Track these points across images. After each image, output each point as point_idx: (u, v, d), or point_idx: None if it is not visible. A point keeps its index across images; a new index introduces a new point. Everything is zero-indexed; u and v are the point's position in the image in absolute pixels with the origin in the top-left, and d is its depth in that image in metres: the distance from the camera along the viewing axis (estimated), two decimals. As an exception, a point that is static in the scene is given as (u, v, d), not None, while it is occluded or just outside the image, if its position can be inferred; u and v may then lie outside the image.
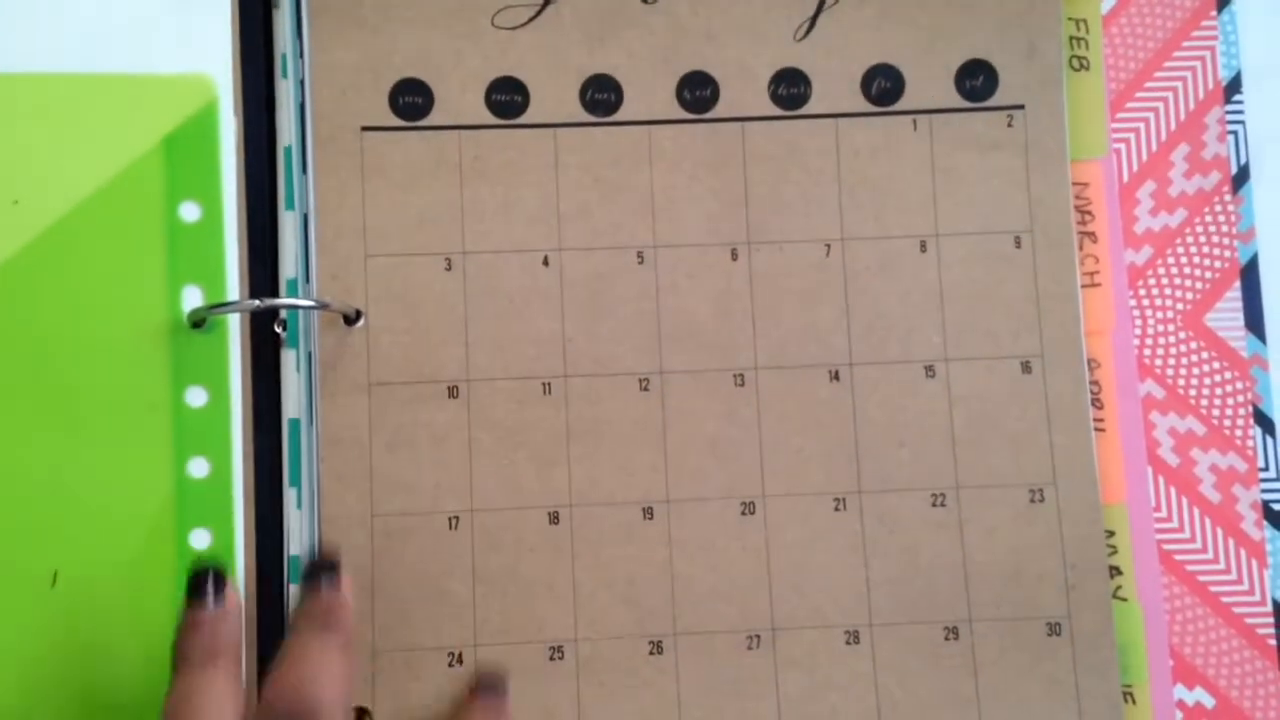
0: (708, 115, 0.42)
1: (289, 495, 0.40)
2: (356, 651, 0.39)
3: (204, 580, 0.35)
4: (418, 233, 0.41)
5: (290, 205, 0.41)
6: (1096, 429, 0.41)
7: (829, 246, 0.42)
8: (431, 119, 0.42)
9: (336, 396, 0.40)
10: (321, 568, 0.35)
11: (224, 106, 0.41)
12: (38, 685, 0.38)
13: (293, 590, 0.39)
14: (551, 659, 0.40)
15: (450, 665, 0.40)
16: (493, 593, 0.40)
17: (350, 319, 0.41)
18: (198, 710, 0.33)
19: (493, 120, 0.42)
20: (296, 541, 0.40)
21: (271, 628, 0.39)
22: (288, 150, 0.41)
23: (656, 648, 0.40)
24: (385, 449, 0.40)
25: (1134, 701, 0.40)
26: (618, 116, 0.42)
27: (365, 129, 0.42)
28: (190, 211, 0.40)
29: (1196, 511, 0.42)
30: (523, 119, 0.42)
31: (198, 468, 0.40)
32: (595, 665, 0.40)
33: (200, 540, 0.39)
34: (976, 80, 0.43)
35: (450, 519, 0.40)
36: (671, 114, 0.42)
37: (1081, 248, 0.42)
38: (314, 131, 0.41)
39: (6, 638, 0.38)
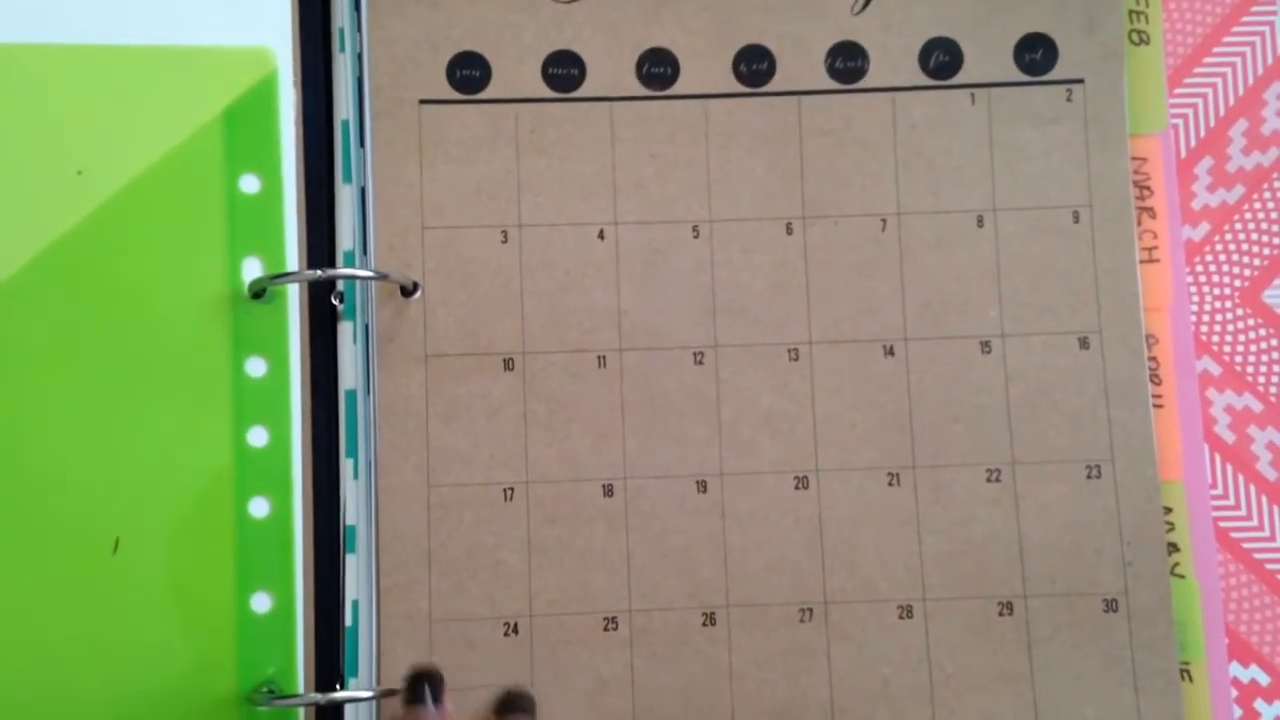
0: (764, 89, 0.41)
1: (345, 466, 0.39)
2: (415, 621, 0.38)
3: (421, 686, 0.35)
4: (474, 205, 0.40)
5: (348, 178, 0.40)
6: (1154, 405, 0.40)
7: (885, 221, 0.41)
8: (489, 92, 0.41)
9: (393, 368, 0.40)
10: (425, 680, 0.36)
11: (283, 79, 0.40)
12: (99, 650, 0.37)
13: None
14: (605, 630, 0.39)
15: (505, 635, 0.39)
16: (547, 564, 0.39)
17: (407, 291, 0.40)
18: None
19: (549, 94, 0.41)
20: (353, 511, 0.39)
21: (328, 597, 0.39)
22: (345, 124, 0.40)
23: (709, 619, 0.39)
24: (441, 420, 0.39)
25: (1190, 679, 0.39)
26: (674, 90, 0.41)
27: (423, 102, 0.41)
28: (250, 184, 0.40)
29: (1253, 489, 0.40)
30: (579, 92, 0.41)
31: (257, 437, 0.39)
32: (648, 636, 0.39)
33: (259, 509, 0.38)
34: (1035, 54, 0.41)
35: (505, 490, 0.39)
36: (728, 88, 0.41)
37: (1140, 223, 0.41)
38: (372, 104, 0.40)
39: (70, 603, 0.37)
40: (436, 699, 0.36)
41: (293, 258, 0.40)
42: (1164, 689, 0.39)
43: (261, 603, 0.38)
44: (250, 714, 0.38)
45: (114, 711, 0.37)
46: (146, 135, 0.39)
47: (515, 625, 0.39)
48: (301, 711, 0.38)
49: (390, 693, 0.37)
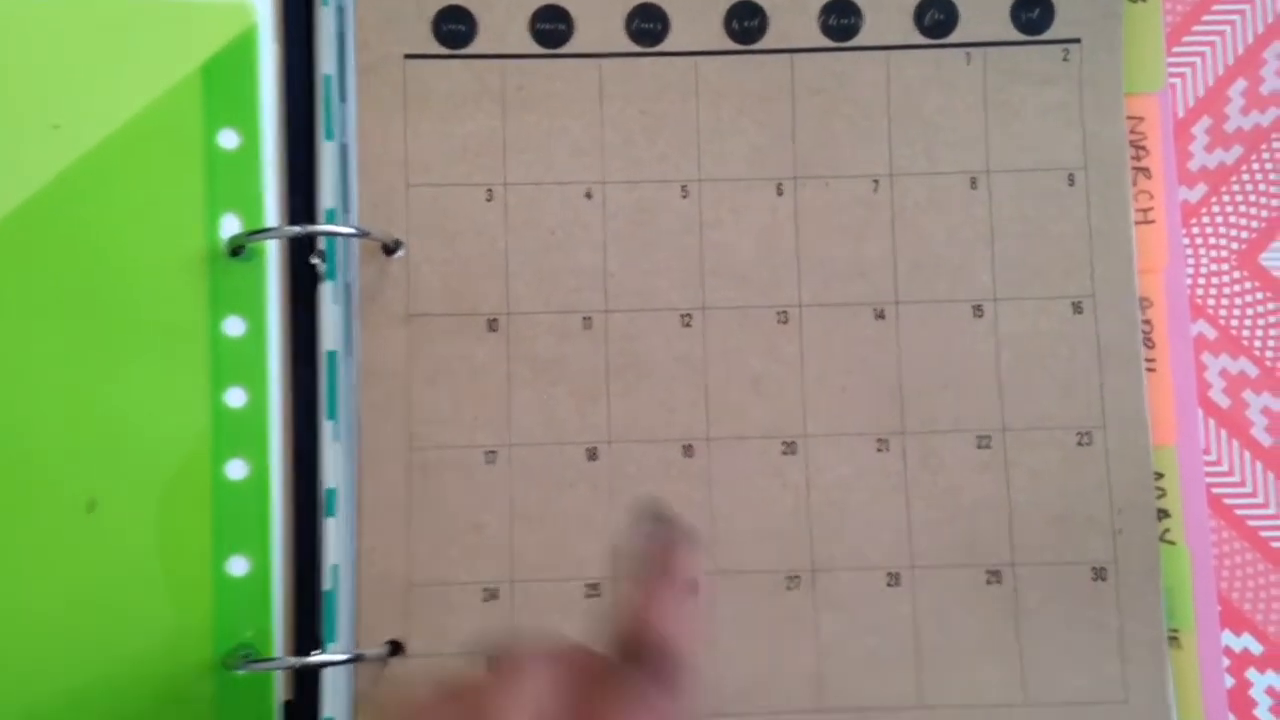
0: (756, 46, 0.39)
1: (326, 428, 0.37)
2: (393, 585, 0.36)
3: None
4: (459, 163, 0.38)
5: (329, 135, 0.38)
6: (1147, 369, 0.38)
7: (877, 182, 0.38)
8: (475, 47, 0.38)
9: (375, 328, 0.37)
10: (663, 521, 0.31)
11: (263, 33, 0.38)
12: (74, 611, 0.36)
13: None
14: (588, 596, 0.37)
15: (485, 601, 0.37)
16: (529, 528, 0.37)
17: (389, 249, 0.37)
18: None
19: (537, 49, 0.39)
20: (333, 474, 0.37)
21: (307, 561, 0.37)
22: (327, 78, 0.38)
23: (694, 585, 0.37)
24: (424, 381, 0.37)
25: (1180, 646, 0.37)
26: (664, 47, 0.39)
27: (408, 57, 0.38)
28: (229, 139, 0.37)
29: (1247, 455, 0.38)
30: (567, 48, 0.39)
31: (235, 397, 0.37)
32: (633, 602, 0.37)
33: (236, 470, 0.36)
34: (1032, 12, 0.39)
35: (487, 453, 0.37)
36: (719, 45, 0.39)
37: (1135, 184, 0.39)
38: (355, 59, 0.38)
39: (45, 563, 0.36)
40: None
41: (272, 215, 0.38)
42: (1150, 658, 0.37)
43: (238, 566, 0.36)
44: (226, 677, 0.36)
45: (88, 674, 0.36)
46: (124, 89, 0.37)
47: (495, 591, 0.37)
48: (279, 675, 0.36)
49: (362, 658, 0.35)
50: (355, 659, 0.35)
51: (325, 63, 0.38)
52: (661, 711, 0.26)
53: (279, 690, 0.36)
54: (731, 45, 0.39)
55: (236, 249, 0.36)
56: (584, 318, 0.38)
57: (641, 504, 0.36)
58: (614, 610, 0.29)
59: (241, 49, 0.38)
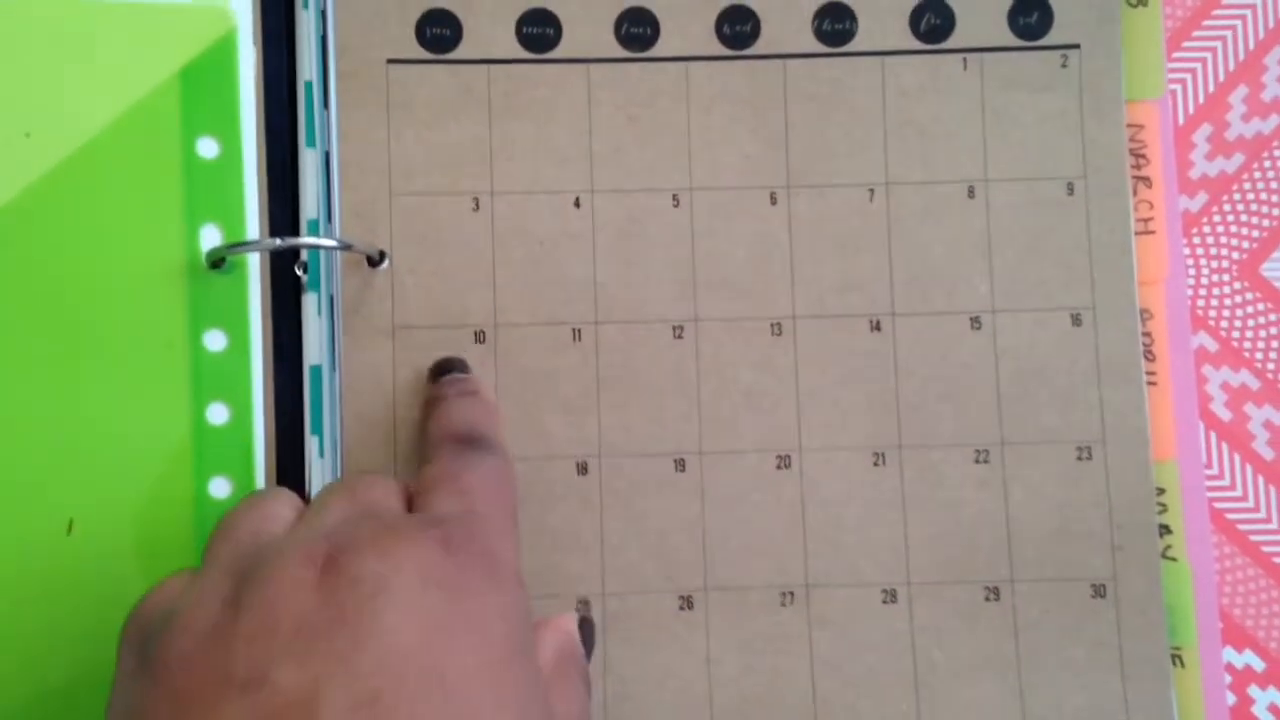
0: (748, 52, 0.38)
1: (310, 444, 0.36)
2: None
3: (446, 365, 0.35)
4: (445, 171, 0.37)
5: (311, 142, 0.36)
6: (1148, 383, 0.37)
7: (872, 191, 0.37)
8: (460, 52, 0.37)
9: (359, 339, 0.36)
10: (453, 363, 0.36)
11: (243, 38, 0.36)
12: (54, 634, 0.34)
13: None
14: (579, 613, 0.36)
15: (475, 619, 0.36)
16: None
17: (374, 260, 0.36)
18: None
19: (523, 54, 0.37)
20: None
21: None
22: (309, 85, 0.37)
23: (686, 603, 0.36)
24: (409, 394, 0.36)
25: (1182, 664, 0.36)
26: (654, 52, 0.38)
27: (391, 62, 0.37)
28: (208, 147, 0.36)
29: (1249, 469, 0.37)
30: (555, 53, 0.37)
31: (217, 414, 0.35)
32: (623, 620, 0.36)
33: (219, 489, 0.35)
34: (1030, 17, 0.38)
35: (476, 468, 0.36)
36: (710, 50, 0.38)
37: (1135, 193, 0.38)
38: (337, 65, 0.37)
39: (23, 586, 0.34)
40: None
41: (253, 225, 0.36)
42: (1153, 675, 0.36)
43: (221, 586, 0.35)
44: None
45: (70, 698, 0.34)
46: (98, 96, 0.36)
47: (485, 609, 0.36)
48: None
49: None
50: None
51: (307, 68, 0.37)
52: (485, 465, 0.30)
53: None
54: (723, 50, 0.38)
55: (217, 261, 0.35)
56: (573, 329, 0.37)
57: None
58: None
59: (220, 54, 0.36)
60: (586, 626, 0.30)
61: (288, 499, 0.29)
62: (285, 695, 0.22)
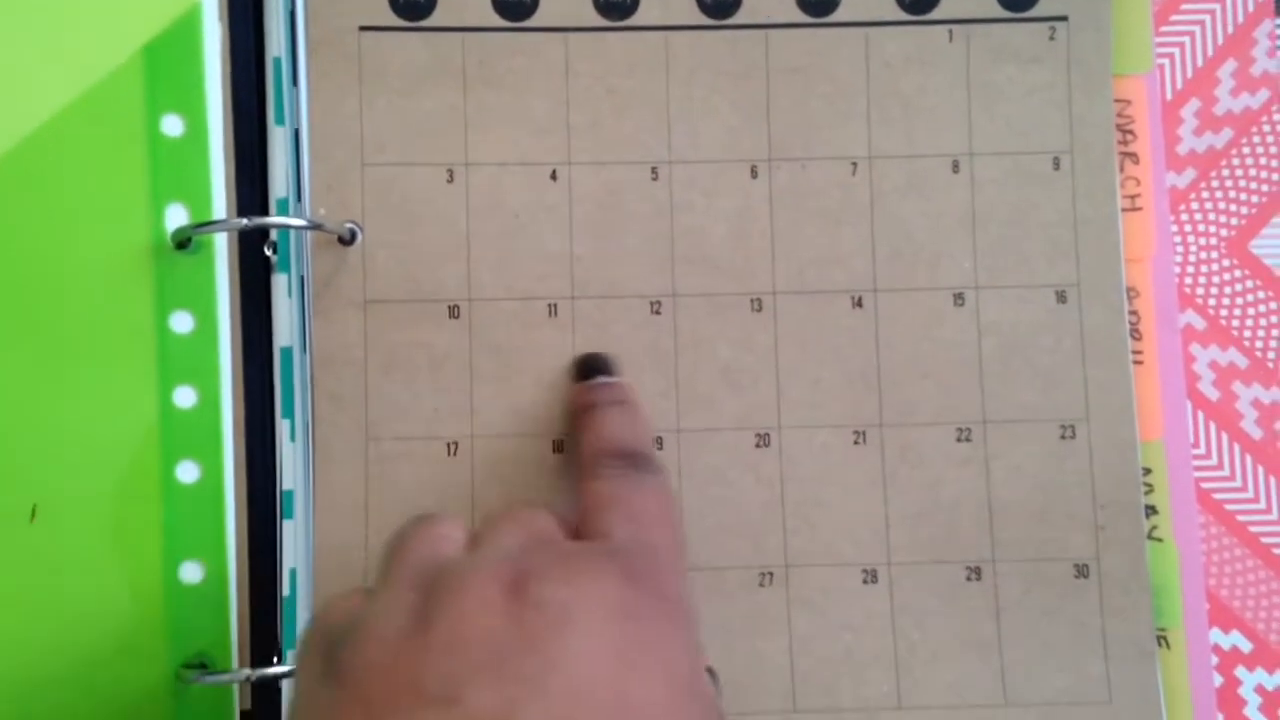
0: (729, 22, 0.37)
1: (281, 427, 0.35)
2: (350, 583, 0.34)
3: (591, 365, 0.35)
4: (418, 142, 0.36)
5: (280, 120, 0.35)
6: (1134, 362, 0.36)
7: (855, 165, 0.36)
8: (434, 19, 0.36)
9: (330, 314, 0.35)
10: (602, 364, 0.35)
11: (208, 13, 0.35)
12: (16, 623, 0.33)
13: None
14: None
15: (448, 599, 0.35)
16: (494, 524, 0.35)
17: (345, 240, 0.35)
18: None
19: (500, 22, 0.36)
20: (290, 475, 0.35)
21: (264, 566, 0.34)
22: (277, 61, 0.35)
23: (665, 584, 0.35)
24: (381, 370, 0.35)
25: (1168, 645, 0.35)
26: (633, 21, 0.36)
27: (363, 29, 0.36)
28: (173, 125, 0.35)
29: (1237, 448, 0.37)
30: (531, 21, 0.36)
31: (184, 397, 0.34)
32: (600, 601, 0.35)
33: (187, 473, 0.34)
34: (1017, -13, 0.37)
35: (449, 445, 0.35)
36: (690, 19, 0.36)
37: (1122, 169, 0.37)
38: (307, 33, 0.36)
39: (-16, 572, 0.33)
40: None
41: (220, 205, 0.35)
42: (1135, 657, 0.35)
43: (191, 572, 0.34)
44: (181, 690, 0.34)
45: (35, 689, 0.33)
46: (59, 74, 0.34)
47: (458, 589, 0.35)
48: (236, 686, 0.34)
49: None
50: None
51: (275, 44, 0.35)
52: (654, 491, 0.30)
53: (237, 700, 0.34)
54: (704, 20, 0.36)
55: (183, 241, 0.34)
56: (549, 305, 0.36)
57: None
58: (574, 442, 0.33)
59: (185, 29, 0.35)
60: (712, 673, 0.30)
61: (457, 523, 0.29)
62: (479, 714, 0.22)
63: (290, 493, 0.35)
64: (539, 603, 0.24)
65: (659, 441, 0.35)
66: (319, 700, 0.24)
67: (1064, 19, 0.37)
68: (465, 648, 0.23)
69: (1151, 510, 0.36)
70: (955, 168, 0.36)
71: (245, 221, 0.34)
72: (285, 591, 0.34)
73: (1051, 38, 0.37)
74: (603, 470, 0.30)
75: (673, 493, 0.31)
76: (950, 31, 0.37)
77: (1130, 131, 0.37)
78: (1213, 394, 0.37)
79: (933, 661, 0.35)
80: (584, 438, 0.32)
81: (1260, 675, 0.36)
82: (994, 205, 0.36)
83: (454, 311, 0.35)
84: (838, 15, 0.36)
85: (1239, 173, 0.37)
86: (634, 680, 0.23)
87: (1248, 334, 0.37)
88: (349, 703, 0.23)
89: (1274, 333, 0.37)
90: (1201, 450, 0.36)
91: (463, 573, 0.25)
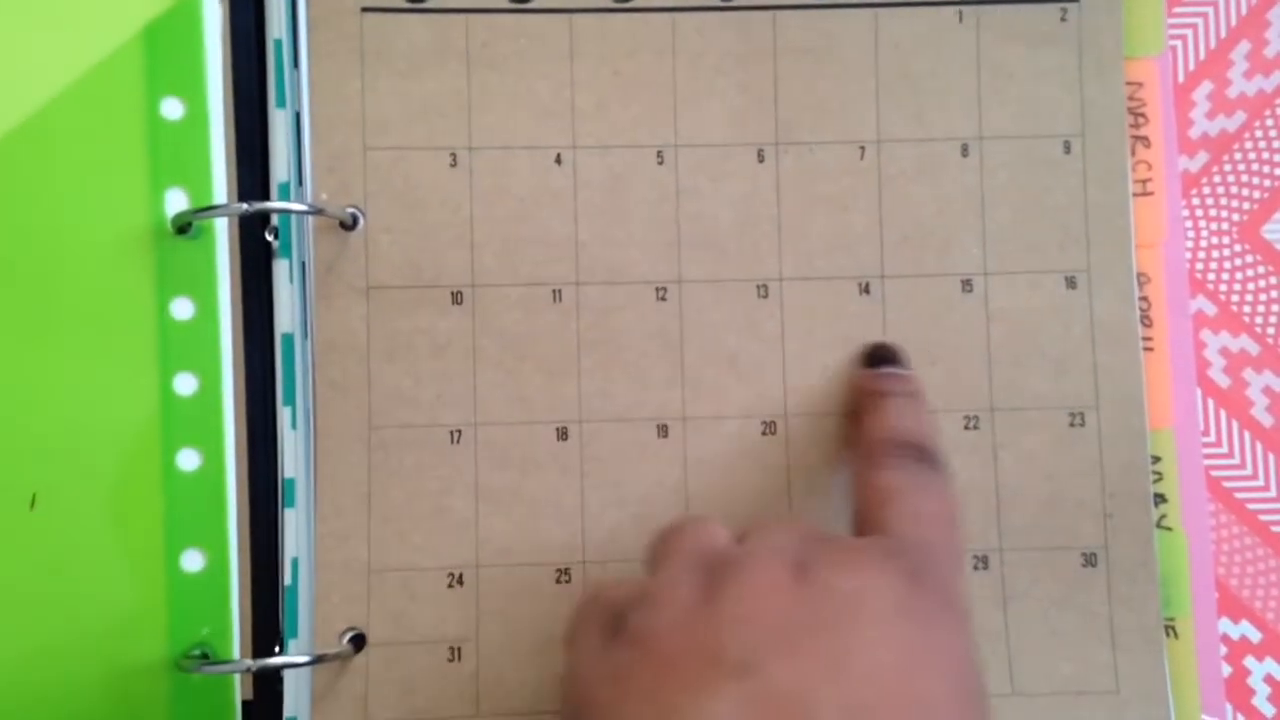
0: (736, 3, 0.36)
1: (283, 414, 0.34)
2: (352, 571, 0.34)
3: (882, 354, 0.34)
4: (420, 125, 0.35)
5: (281, 103, 0.35)
6: (1144, 348, 0.36)
7: (864, 149, 0.36)
8: (437, 0, 0.35)
9: (332, 300, 0.35)
10: (894, 353, 0.34)
11: (209, -8, 0.35)
12: (17, 611, 0.33)
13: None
14: (558, 582, 0.35)
15: (450, 586, 0.34)
16: (496, 511, 0.35)
17: (347, 225, 0.34)
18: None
19: (503, 3, 0.35)
20: (291, 463, 0.34)
21: (266, 554, 0.34)
22: (278, 43, 0.35)
23: (670, 572, 0.35)
24: (384, 357, 0.35)
25: (1176, 635, 0.35)
26: (638, 2, 0.36)
27: (365, 10, 0.35)
28: (173, 108, 0.34)
29: (1248, 436, 0.36)
30: (535, 2, 0.35)
31: (185, 384, 0.34)
32: (605, 589, 0.34)
33: (188, 461, 0.34)
34: (1028, -32, 0.36)
35: (452, 432, 0.35)
36: (697, 0, 0.36)
37: (1133, 153, 0.36)
38: (308, 14, 0.35)
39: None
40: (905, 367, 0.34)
41: (221, 189, 0.34)
42: (1143, 646, 0.35)
43: (193, 561, 0.34)
44: (182, 679, 0.33)
45: (35, 676, 0.33)
46: (59, 56, 0.34)
47: (460, 576, 0.34)
48: (238, 675, 0.34)
49: (324, 658, 0.33)
50: (317, 660, 0.33)
51: (276, 26, 0.35)
52: (938, 490, 0.29)
53: (238, 690, 0.34)
54: (711, 1, 0.36)
55: (183, 226, 0.33)
56: (554, 290, 0.35)
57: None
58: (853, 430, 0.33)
59: (185, 11, 0.34)
60: None
61: (721, 524, 0.28)
62: (779, 687, 0.22)
63: (292, 480, 0.34)
64: (829, 588, 0.24)
65: (663, 429, 0.35)
66: (607, 663, 0.25)
67: (1075, 0, 0.36)
68: (759, 622, 0.23)
69: (1161, 499, 0.35)
70: (965, 151, 0.36)
71: (246, 206, 0.33)
72: (287, 580, 0.34)
73: (1063, 19, 0.36)
74: (889, 461, 0.30)
75: (956, 492, 0.30)
76: (960, 13, 0.36)
77: (1142, 115, 0.36)
78: (1223, 381, 0.36)
79: (939, 650, 0.35)
80: (870, 425, 0.32)
81: (1269, 665, 0.35)
82: (1003, 190, 0.36)
83: (457, 297, 0.35)
84: (846, -4, 0.36)
85: (1251, 156, 0.36)
86: (922, 677, 0.23)
87: (1259, 320, 0.36)
88: (645, 663, 0.24)
89: (1286, 319, 0.36)
90: (1212, 438, 0.36)
91: (746, 555, 0.25)
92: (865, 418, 0.32)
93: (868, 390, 0.33)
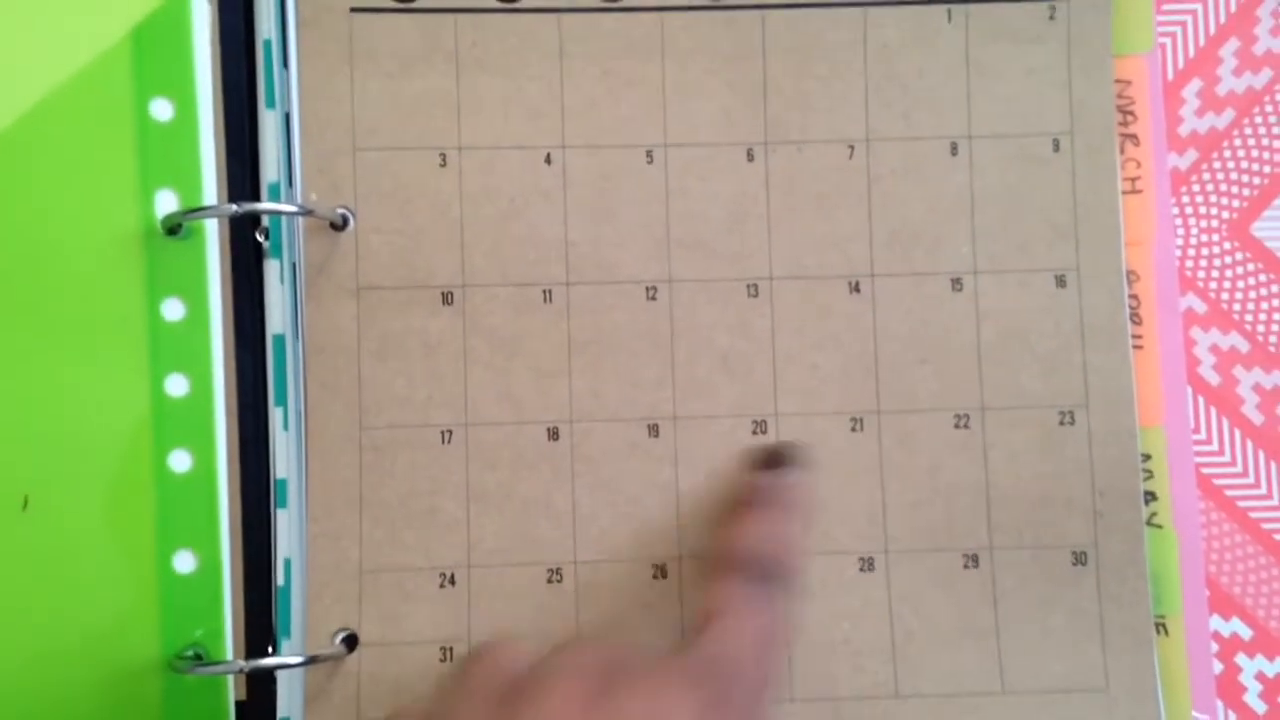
0: (725, 2, 0.36)
1: (274, 415, 0.34)
2: (344, 572, 0.34)
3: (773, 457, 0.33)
4: (410, 125, 0.35)
5: (271, 103, 0.34)
6: (1134, 346, 0.35)
7: (853, 148, 0.36)
8: (426, 0, 0.35)
9: (322, 300, 0.34)
10: (788, 454, 0.33)
11: (198, -8, 0.34)
12: (10, 612, 0.33)
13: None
14: (549, 581, 0.34)
15: (442, 587, 0.34)
16: (487, 511, 0.34)
17: (337, 226, 0.34)
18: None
19: (492, 3, 0.35)
20: (283, 464, 0.34)
21: (258, 555, 0.34)
22: (267, 43, 0.34)
23: (660, 572, 0.35)
24: (374, 357, 0.34)
25: (1166, 632, 0.35)
26: (628, 2, 0.36)
27: (354, 10, 0.35)
28: (162, 109, 0.34)
29: (1238, 433, 0.36)
30: (524, 2, 0.35)
31: (176, 385, 0.34)
32: (595, 589, 0.34)
33: (180, 462, 0.33)
34: (1017, -34, 0.36)
35: (443, 433, 0.34)
36: (686, 0, 0.36)
37: (1123, 151, 0.36)
38: (297, 14, 0.35)
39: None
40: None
41: (210, 190, 0.34)
42: (1133, 644, 0.35)
43: (185, 562, 0.33)
44: (175, 680, 0.33)
45: (26, 678, 0.33)
46: (47, 57, 0.34)
47: (452, 576, 0.34)
48: (231, 676, 0.33)
49: (317, 659, 0.33)
50: (309, 661, 0.33)
51: (265, 26, 0.35)
52: (768, 611, 0.29)
53: (232, 690, 0.34)
54: (699, 0, 0.36)
55: (174, 227, 0.33)
56: (544, 290, 0.35)
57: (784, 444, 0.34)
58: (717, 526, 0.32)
59: (173, 12, 0.34)
60: None
61: (525, 645, 0.28)
62: None
63: (283, 481, 0.34)
64: (620, 715, 0.24)
65: (654, 429, 0.35)
66: None
67: (1065, -1, 0.36)
68: None
69: (1151, 496, 0.35)
70: (954, 150, 0.35)
71: (236, 207, 0.33)
72: (279, 581, 0.34)
73: (1051, 17, 0.36)
74: (726, 575, 0.29)
75: (791, 617, 0.30)
76: (949, 11, 0.36)
77: (1131, 112, 0.36)
78: (1214, 379, 0.36)
79: (930, 649, 0.35)
80: (723, 533, 0.31)
81: (1260, 662, 0.35)
82: (993, 188, 0.35)
83: (447, 298, 0.35)
84: (835, -5, 0.36)
85: (1241, 154, 0.36)
86: None
87: (1249, 318, 0.36)
88: None
89: (1275, 316, 0.36)
90: (1202, 435, 0.36)
91: (543, 679, 0.25)
92: (726, 523, 0.32)
93: (737, 496, 0.32)
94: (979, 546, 0.35)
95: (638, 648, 0.27)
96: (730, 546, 0.30)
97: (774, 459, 0.33)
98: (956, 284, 0.35)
